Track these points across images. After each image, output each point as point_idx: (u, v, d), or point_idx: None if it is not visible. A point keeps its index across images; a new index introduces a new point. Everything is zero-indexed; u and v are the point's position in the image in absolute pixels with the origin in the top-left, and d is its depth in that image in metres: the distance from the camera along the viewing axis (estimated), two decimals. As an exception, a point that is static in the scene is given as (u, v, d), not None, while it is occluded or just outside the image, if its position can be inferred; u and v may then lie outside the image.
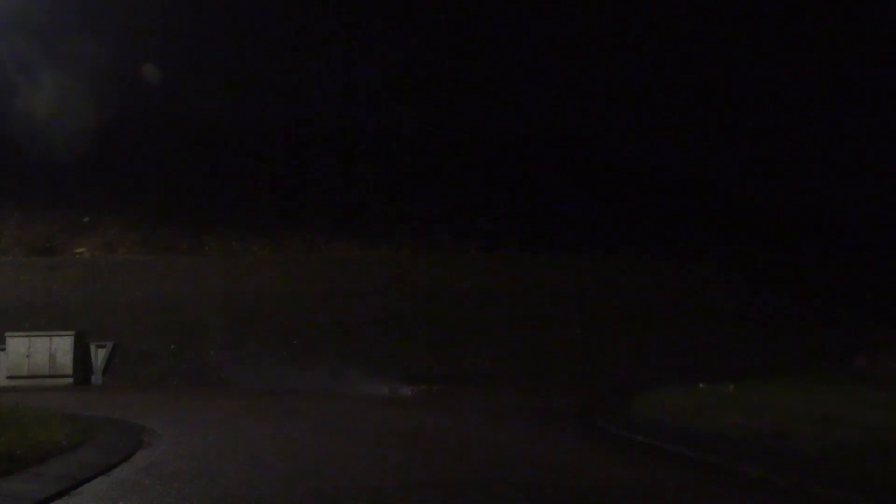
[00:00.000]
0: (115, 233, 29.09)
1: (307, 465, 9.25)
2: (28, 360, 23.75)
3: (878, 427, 9.88)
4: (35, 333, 24.04)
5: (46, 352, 23.85)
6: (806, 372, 19.08)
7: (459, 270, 27.94)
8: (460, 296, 27.04)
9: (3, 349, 23.87)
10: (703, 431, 11.30)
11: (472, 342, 26.07)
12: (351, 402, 18.23)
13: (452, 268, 28.01)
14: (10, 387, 22.16)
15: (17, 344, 23.87)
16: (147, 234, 29.03)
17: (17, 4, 27.52)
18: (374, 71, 34.73)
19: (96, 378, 24.42)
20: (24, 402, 13.52)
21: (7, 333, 24.02)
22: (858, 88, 30.53)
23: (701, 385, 16.10)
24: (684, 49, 35.57)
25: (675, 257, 29.01)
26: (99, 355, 24.56)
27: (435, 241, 29.72)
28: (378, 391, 20.33)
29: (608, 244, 29.45)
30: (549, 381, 22.56)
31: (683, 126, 35.08)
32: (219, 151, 32.70)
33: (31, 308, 25.30)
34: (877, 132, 27.81)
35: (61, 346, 23.93)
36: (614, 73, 36.38)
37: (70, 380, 23.73)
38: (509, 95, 35.92)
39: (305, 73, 35.71)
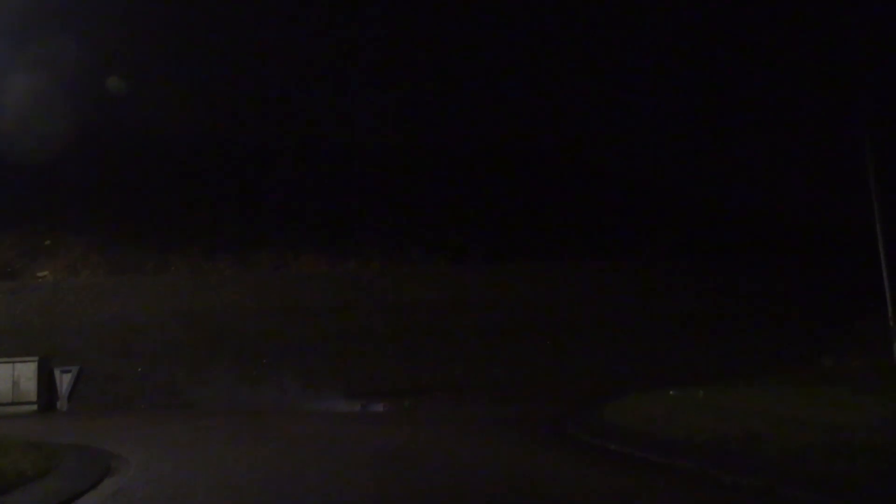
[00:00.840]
0: (78, 255, 28.62)
1: (279, 485, 9.14)
2: (-10, 387, 23.23)
3: (844, 427, 10.05)
4: (-3, 360, 23.53)
5: (9, 378, 23.32)
6: (774, 374, 19.34)
7: (429, 283, 27.93)
8: (430, 308, 27.02)
9: (-35, 377, 23.30)
10: (674, 437, 11.40)
11: (443, 354, 26.01)
12: (322, 419, 18.10)
13: (422, 280, 27.99)
14: (-29, 415, 21.63)
15: (-21, 371, 23.32)
16: (111, 256, 28.61)
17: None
18: (340, 87, 34.66)
19: (62, 404, 23.92)
20: (-14, 431, 13.22)
21: (-32, 360, 23.48)
22: (821, 98, 31.07)
23: (671, 391, 16.23)
24: (652, 60, 35.98)
25: (644, 264, 29.30)
26: (64, 380, 24.06)
27: (404, 254, 29.69)
28: (350, 407, 20.20)
29: (576, 253, 29.65)
30: (521, 390, 22.60)
31: (648, 135, 35.48)
32: (183, 169, 32.39)
33: (-7, 334, 24.75)
34: (837, 140, 28.33)
35: (24, 372, 23.42)
36: (581, 84, 36.70)
37: (34, 406, 23.21)
38: (477, 108, 36.06)
39: (271, 89, 35.55)
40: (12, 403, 23.03)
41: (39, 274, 27.72)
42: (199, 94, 32.74)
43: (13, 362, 23.44)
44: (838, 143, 27.93)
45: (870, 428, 9.91)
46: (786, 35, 34.52)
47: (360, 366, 25.14)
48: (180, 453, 12.69)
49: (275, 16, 35.42)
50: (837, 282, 28.64)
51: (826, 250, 30.20)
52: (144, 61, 32.96)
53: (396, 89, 34.86)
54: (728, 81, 35.78)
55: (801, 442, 9.57)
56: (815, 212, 32.18)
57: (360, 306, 26.76)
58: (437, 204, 32.40)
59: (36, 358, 23.60)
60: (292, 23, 35.52)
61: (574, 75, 36.83)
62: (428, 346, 26.10)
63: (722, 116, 35.49)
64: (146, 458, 11.78)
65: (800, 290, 28.92)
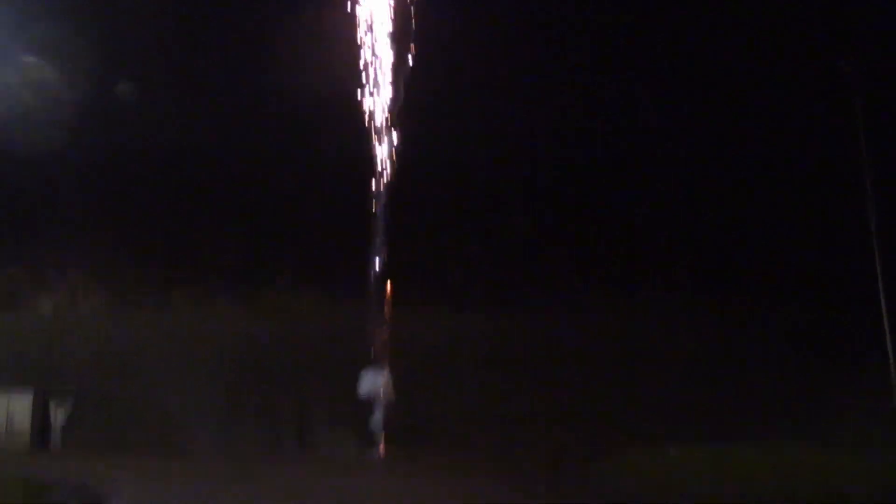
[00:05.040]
0: (80, 287, 28.61)
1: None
2: (-16, 419, 23.01)
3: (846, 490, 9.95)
4: (-8, 392, 23.29)
5: (4, 411, 23.07)
6: (773, 424, 19.13)
7: (430, 329, 27.77)
8: (431, 355, 26.83)
9: (-41, 408, 23.09)
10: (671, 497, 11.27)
11: (442, 402, 25.78)
12: (319, 464, 17.91)
13: (423, 326, 27.84)
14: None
15: (-26, 403, 23.11)
16: (112, 288, 28.57)
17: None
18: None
19: (56, 438, 23.60)
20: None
21: (-36, 393, 23.24)
22: (827, 147, 31.16)
23: (671, 450, 16.06)
24: (653, 98, 36.15)
25: (648, 316, 29.10)
26: (59, 414, 23.81)
27: (403, 296, 29.59)
28: (347, 453, 20.01)
29: (580, 304, 29.48)
30: (520, 442, 22.35)
31: (656, 179, 35.43)
32: (187, 203, 32.47)
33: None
34: (841, 188, 28.31)
35: (19, 405, 23.18)
36: (581, 124, 36.79)
37: (28, 440, 22.94)
38: (479, 149, 36.16)
39: (283, 132, 35.84)
40: (6, 435, 22.80)
41: (39, 304, 27.69)
42: (209, 131, 32.99)
43: (8, 394, 23.23)
44: (842, 192, 27.93)
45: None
46: (794, 87, 34.81)
47: (358, 410, 24.90)
48: (174, 494, 12.53)
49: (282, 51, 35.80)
50: (839, 327, 28.34)
51: (828, 295, 29.91)
52: (143, 89, 33.15)
53: (403, 131, 35.06)
54: (736, 125, 35.83)
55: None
56: (817, 258, 31.94)
57: (361, 350, 26.60)
58: (441, 248, 32.40)
59: (31, 390, 23.40)
60: (292, 59, 35.89)
61: (573, 116, 36.98)
62: (427, 394, 25.89)
63: (730, 163, 35.52)
64: (138, 498, 11.64)
65: (801, 335, 28.61)
